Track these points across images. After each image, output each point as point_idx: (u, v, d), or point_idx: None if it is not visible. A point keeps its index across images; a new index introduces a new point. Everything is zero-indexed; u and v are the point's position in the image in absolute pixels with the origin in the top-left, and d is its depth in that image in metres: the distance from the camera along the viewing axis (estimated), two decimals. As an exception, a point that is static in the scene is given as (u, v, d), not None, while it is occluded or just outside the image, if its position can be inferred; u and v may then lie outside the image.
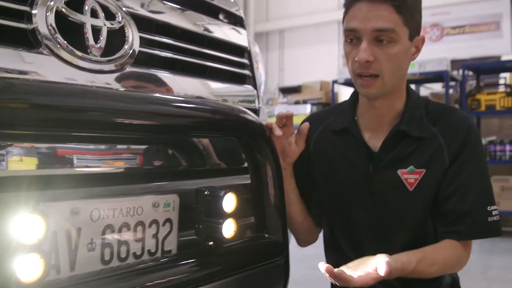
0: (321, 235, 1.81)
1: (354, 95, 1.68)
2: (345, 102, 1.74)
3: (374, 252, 1.59)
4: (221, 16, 1.75)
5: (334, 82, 7.11)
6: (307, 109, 8.22)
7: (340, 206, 1.65)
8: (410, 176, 1.55)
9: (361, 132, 1.62)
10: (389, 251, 1.58)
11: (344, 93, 9.55)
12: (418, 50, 1.55)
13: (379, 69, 1.46)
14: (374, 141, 1.60)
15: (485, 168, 1.57)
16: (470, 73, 7.06)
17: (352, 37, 1.48)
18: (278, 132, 1.50)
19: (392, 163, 1.56)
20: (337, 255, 1.71)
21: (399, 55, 1.47)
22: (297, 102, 8.81)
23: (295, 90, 9.26)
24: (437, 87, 8.69)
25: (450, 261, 1.52)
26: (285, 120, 1.55)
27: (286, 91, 9.72)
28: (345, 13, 1.51)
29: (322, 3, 13.57)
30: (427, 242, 1.57)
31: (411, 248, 1.56)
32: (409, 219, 1.58)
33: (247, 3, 14.84)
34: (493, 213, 1.52)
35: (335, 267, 1.70)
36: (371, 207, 1.59)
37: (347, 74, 6.83)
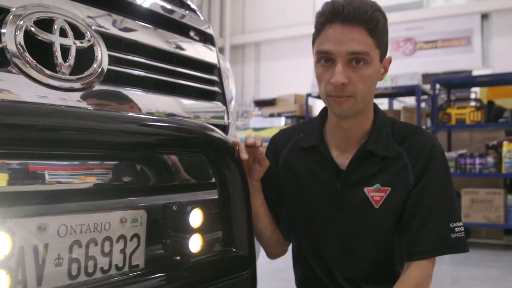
0: (290, 248, 1.84)
1: (323, 113, 1.71)
2: (313, 119, 1.77)
3: (340, 267, 1.64)
4: (191, 34, 1.78)
5: (308, 95, 7.16)
6: (282, 122, 8.27)
7: (308, 222, 1.69)
8: (376, 194, 1.59)
9: (329, 150, 1.65)
10: (355, 266, 1.63)
11: (318, 107, 9.62)
12: (386, 70, 1.60)
13: (353, 91, 1.49)
14: (342, 159, 1.64)
15: (449, 186, 1.61)
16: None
17: (325, 59, 1.50)
18: (243, 155, 1.51)
19: (359, 181, 1.60)
20: (304, 269, 1.75)
21: (372, 76, 1.51)
22: (271, 115, 8.85)
23: (270, 103, 9.31)
24: (410, 100, 8.81)
25: (421, 286, 1.56)
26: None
27: (260, 104, 9.76)
28: (317, 35, 1.53)
29: (298, 17, 13.69)
30: (392, 258, 1.62)
31: (377, 264, 1.61)
32: (374, 236, 1.62)
33: (223, 16, 14.91)
34: (456, 230, 1.57)
35: (302, 281, 1.75)
36: (337, 224, 1.63)
37: (321, 88, 6.92)
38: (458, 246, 1.57)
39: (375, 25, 1.47)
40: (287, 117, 8.53)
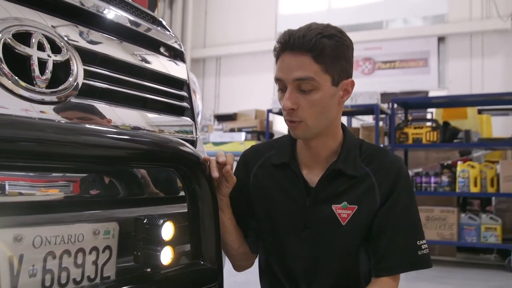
0: (256, 262, 1.88)
1: None
2: (285, 137, 1.82)
3: (306, 281, 1.68)
4: (162, 50, 1.81)
5: (269, 111, 7.23)
6: (242, 137, 8.29)
7: (276, 236, 1.73)
8: (343, 211, 1.64)
9: (299, 168, 1.70)
10: (321, 281, 1.67)
11: (279, 123, 9.72)
12: (348, 92, 1.64)
13: (302, 116, 1.56)
14: (311, 176, 1.69)
15: (414, 205, 1.69)
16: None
17: (280, 86, 1.59)
18: (214, 174, 1.56)
19: (327, 198, 1.65)
20: (271, 281, 1.78)
21: (322, 101, 1.56)
22: (232, 130, 8.86)
23: (231, 117, 9.32)
24: (368, 119, 8.97)
25: None
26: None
27: (221, 118, 9.77)
28: (276, 63, 1.61)
29: (259, 33, 13.81)
30: (357, 273, 1.67)
31: (342, 279, 1.66)
32: (340, 251, 1.67)
33: (184, 29, 14.91)
34: (423, 246, 1.64)
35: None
36: (305, 239, 1.67)
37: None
38: (424, 262, 1.64)
39: (319, 51, 1.52)
40: (247, 132, 8.54)
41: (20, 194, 1.19)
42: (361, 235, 1.65)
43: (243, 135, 8.38)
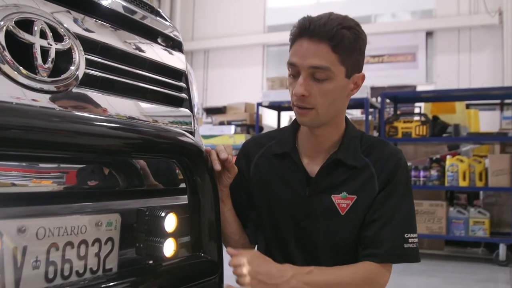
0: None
1: (296, 122, 1.76)
2: (286, 127, 1.83)
3: None
4: (161, 40, 1.79)
5: (259, 104, 7.22)
6: (232, 130, 8.29)
7: (276, 226, 1.73)
8: (342, 201, 1.65)
9: (300, 158, 1.70)
10: None
11: (268, 116, 9.71)
12: (357, 86, 1.65)
13: (313, 103, 1.55)
14: (312, 166, 1.69)
15: (409, 198, 1.69)
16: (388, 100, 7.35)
17: (293, 71, 1.58)
18: (217, 167, 1.56)
19: (327, 188, 1.66)
20: None
21: (334, 92, 1.56)
22: (221, 123, 8.85)
23: (220, 110, 9.29)
24: (357, 112, 8.99)
25: (366, 282, 1.61)
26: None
27: (210, 111, 9.73)
28: (290, 47, 1.60)
29: (248, 26, 13.77)
30: (355, 262, 1.67)
31: None
32: (340, 241, 1.67)
33: (172, 21, 14.72)
34: (410, 240, 1.63)
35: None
36: (305, 228, 1.68)
37: (271, 98, 6.98)
38: (409, 256, 1.64)
39: (339, 42, 1.52)
40: (237, 126, 8.54)
41: (24, 185, 1.17)
42: (359, 225, 1.66)
43: (232, 128, 8.37)
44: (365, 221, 1.65)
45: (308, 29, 1.53)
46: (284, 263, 1.72)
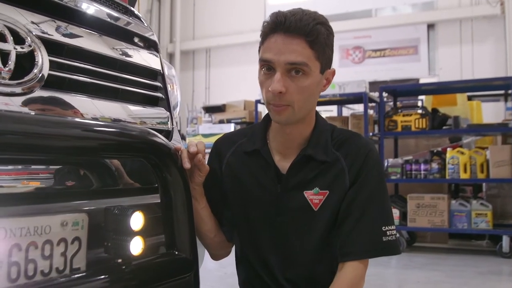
0: (233, 251, 1.88)
1: (267, 119, 1.76)
2: (257, 124, 1.82)
3: (281, 269, 1.68)
4: (135, 40, 1.80)
5: (258, 102, 7.23)
6: (231, 128, 8.28)
7: (250, 224, 1.73)
8: (315, 197, 1.64)
9: (271, 155, 1.70)
10: (295, 268, 1.67)
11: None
12: (328, 82, 1.65)
13: (290, 100, 1.54)
14: (283, 163, 1.68)
15: (383, 190, 1.68)
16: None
17: (266, 67, 1.55)
18: (186, 165, 1.54)
19: (298, 185, 1.65)
20: (247, 270, 1.78)
21: (310, 88, 1.55)
22: (221, 121, 8.86)
23: (219, 109, 9.30)
24: (359, 107, 8.97)
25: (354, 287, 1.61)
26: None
27: (210, 110, 9.74)
28: (261, 44, 1.58)
29: (248, 24, 13.75)
30: (331, 259, 1.66)
31: (316, 265, 1.66)
32: (314, 237, 1.66)
33: (173, 21, 14.86)
34: (388, 233, 1.63)
35: (246, 282, 1.78)
36: (278, 226, 1.68)
37: (270, 94, 6.96)
38: (389, 249, 1.63)
39: (315, 37, 1.51)
40: (236, 123, 8.55)
41: (-16, 186, 1.18)
42: (333, 220, 1.65)
43: (232, 126, 8.39)
44: (339, 216, 1.64)
45: (284, 25, 1.50)
46: (258, 260, 1.72)
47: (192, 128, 9.34)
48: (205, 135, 8.08)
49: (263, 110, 8.78)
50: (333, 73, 1.65)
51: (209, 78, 14.70)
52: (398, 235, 1.70)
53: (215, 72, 14.62)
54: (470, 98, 7.39)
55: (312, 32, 1.50)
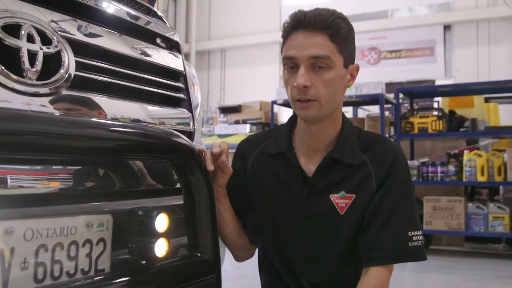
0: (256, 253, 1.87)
1: (292, 120, 1.75)
2: (281, 126, 1.81)
3: (305, 272, 1.67)
4: (157, 41, 1.80)
5: (274, 102, 7.22)
6: (247, 129, 8.29)
7: (274, 227, 1.71)
8: (341, 200, 1.63)
9: (297, 157, 1.69)
10: (319, 272, 1.66)
11: (284, 114, 9.70)
12: (353, 77, 1.64)
13: (316, 94, 1.54)
14: (309, 166, 1.67)
15: (409, 195, 1.66)
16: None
17: (290, 64, 1.56)
18: (209, 167, 1.54)
19: (324, 188, 1.64)
20: (270, 273, 1.77)
21: (334, 81, 1.55)
22: (237, 122, 8.86)
23: (235, 109, 9.32)
24: (374, 109, 8.94)
25: None
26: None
27: (226, 110, 9.76)
28: (283, 43, 1.59)
29: (264, 24, 13.78)
30: (356, 264, 1.65)
31: (341, 269, 1.64)
32: (339, 241, 1.65)
33: (189, 22, 14.91)
34: (414, 238, 1.60)
35: (268, 285, 1.77)
36: (304, 229, 1.66)
37: (286, 95, 6.93)
38: (415, 254, 1.61)
39: (336, 30, 1.52)
40: (252, 124, 8.55)
41: (12, 186, 1.18)
42: (359, 224, 1.64)
43: (248, 127, 8.38)
44: (364, 221, 1.63)
45: (304, 21, 1.53)
46: (282, 263, 1.71)
47: (208, 128, 9.35)
48: (221, 136, 8.08)
49: (279, 111, 8.80)
50: (357, 68, 1.65)
51: (224, 78, 14.73)
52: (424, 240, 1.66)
53: (230, 73, 14.65)
54: (487, 100, 7.33)
55: (333, 25, 1.52)
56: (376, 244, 1.60)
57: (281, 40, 1.63)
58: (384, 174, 1.63)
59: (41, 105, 1.25)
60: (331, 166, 1.64)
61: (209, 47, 14.86)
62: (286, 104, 7.13)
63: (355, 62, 1.65)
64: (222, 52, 14.89)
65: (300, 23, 1.53)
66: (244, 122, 8.70)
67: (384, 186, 1.62)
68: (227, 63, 14.83)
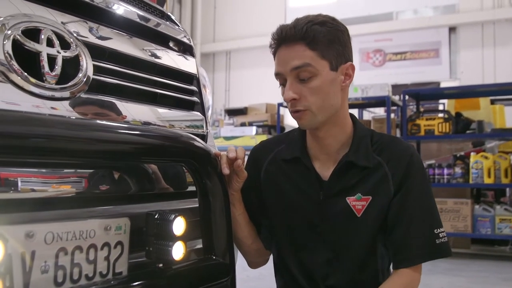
0: (271, 259, 1.87)
1: None
2: (293, 131, 1.82)
3: (323, 276, 1.67)
4: (171, 44, 1.81)
5: (280, 105, 7.22)
6: (253, 131, 8.28)
7: (291, 232, 1.72)
8: (357, 203, 1.64)
9: (311, 162, 1.70)
10: (338, 275, 1.66)
11: (289, 117, 9.66)
12: (348, 76, 1.63)
13: (306, 104, 1.57)
14: (323, 169, 1.68)
15: (429, 193, 1.67)
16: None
17: (281, 81, 1.61)
18: (225, 170, 1.55)
19: (341, 191, 1.65)
20: (286, 278, 1.77)
21: (322, 87, 1.56)
22: (242, 124, 8.84)
23: (241, 112, 9.30)
24: (379, 111, 8.93)
25: None
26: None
27: (231, 112, 9.74)
28: (275, 61, 1.63)
29: (269, 26, 13.61)
30: (375, 266, 1.66)
31: (359, 272, 1.65)
32: (357, 243, 1.66)
33: (194, 24, 14.92)
34: (441, 235, 1.62)
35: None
36: (321, 233, 1.67)
37: (292, 97, 6.92)
38: (442, 251, 1.63)
39: (312, 38, 1.54)
40: (258, 126, 8.51)
41: (32, 190, 1.19)
42: (377, 226, 1.65)
43: (254, 129, 8.36)
44: (388, 224, 1.64)
45: (282, 36, 1.57)
46: (298, 267, 1.72)
47: (214, 130, 9.35)
48: (227, 138, 8.07)
49: (285, 113, 8.79)
50: (351, 66, 1.64)
51: (229, 80, 14.74)
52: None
53: (235, 75, 14.66)
54: (492, 102, 7.32)
55: (307, 34, 1.54)
56: (405, 245, 1.61)
57: None
58: (402, 175, 1.64)
59: (60, 108, 1.26)
60: (346, 169, 1.65)
61: (214, 49, 14.87)
62: (292, 106, 7.10)
63: (352, 61, 1.65)
64: (227, 54, 14.90)
65: (280, 39, 1.58)
66: (250, 124, 8.65)
67: (403, 187, 1.63)
68: (232, 65, 14.84)
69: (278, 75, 1.61)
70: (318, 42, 1.54)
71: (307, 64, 1.54)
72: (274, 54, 1.62)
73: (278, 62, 1.59)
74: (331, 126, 1.64)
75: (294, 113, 1.60)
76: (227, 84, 14.72)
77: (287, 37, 1.55)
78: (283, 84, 1.61)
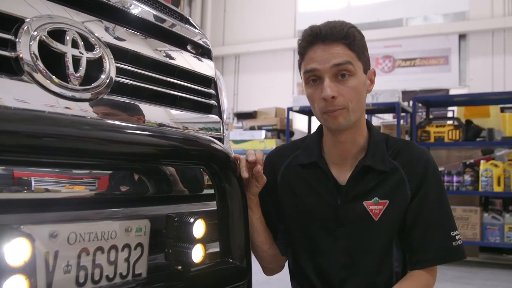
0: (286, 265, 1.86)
1: (319, 131, 1.77)
2: (309, 136, 1.83)
3: (340, 280, 1.67)
4: (190, 48, 1.81)
5: (290, 109, 7.21)
6: (262, 135, 8.28)
7: (307, 236, 1.72)
8: (375, 207, 1.65)
9: (328, 167, 1.70)
10: (355, 279, 1.66)
11: (299, 121, 9.68)
12: (372, 82, 1.68)
13: (343, 103, 1.56)
14: (340, 174, 1.69)
15: (444, 196, 1.69)
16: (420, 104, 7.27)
17: (313, 77, 1.59)
18: (244, 174, 1.56)
19: (358, 196, 1.66)
20: (302, 283, 1.78)
21: (358, 87, 1.58)
22: (252, 128, 8.84)
23: (250, 115, 9.31)
24: (388, 117, 8.91)
25: None
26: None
27: (241, 116, 9.75)
28: (301, 59, 1.63)
29: (278, 31, 13.79)
30: (391, 270, 1.66)
31: (376, 276, 1.65)
32: (374, 247, 1.67)
33: (203, 27, 14.94)
34: (457, 237, 1.64)
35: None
36: (339, 237, 1.68)
37: (302, 102, 6.94)
38: (458, 254, 1.65)
39: (352, 39, 1.56)
40: (267, 130, 8.52)
41: (56, 191, 1.20)
42: (394, 230, 1.66)
43: (263, 133, 8.36)
44: (406, 228, 1.66)
45: (320, 35, 1.57)
46: (315, 272, 1.72)
47: (223, 133, 9.33)
48: (236, 141, 8.08)
49: (294, 117, 8.79)
50: (374, 73, 1.69)
51: (237, 84, 14.74)
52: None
53: (243, 78, 14.66)
54: (502, 110, 7.30)
55: (348, 35, 1.56)
56: (422, 247, 1.63)
57: (295, 46, 1.68)
58: (418, 180, 1.65)
59: (83, 109, 1.27)
60: (363, 174, 1.66)
61: (223, 52, 14.88)
62: (301, 111, 7.13)
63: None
64: (236, 58, 14.91)
65: (317, 37, 1.57)
66: (260, 128, 8.65)
67: (420, 191, 1.65)
68: (241, 69, 14.84)
69: (310, 72, 1.58)
70: (356, 44, 1.57)
71: (349, 62, 1.55)
72: (305, 51, 1.60)
73: (314, 59, 1.57)
74: (354, 129, 1.66)
75: (330, 112, 1.58)
76: (236, 88, 14.72)
77: (327, 36, 1.56)
78: (313, 80, 1.59)
